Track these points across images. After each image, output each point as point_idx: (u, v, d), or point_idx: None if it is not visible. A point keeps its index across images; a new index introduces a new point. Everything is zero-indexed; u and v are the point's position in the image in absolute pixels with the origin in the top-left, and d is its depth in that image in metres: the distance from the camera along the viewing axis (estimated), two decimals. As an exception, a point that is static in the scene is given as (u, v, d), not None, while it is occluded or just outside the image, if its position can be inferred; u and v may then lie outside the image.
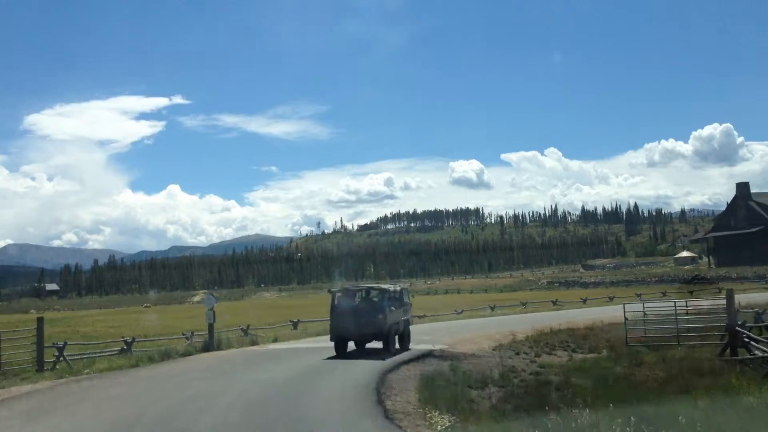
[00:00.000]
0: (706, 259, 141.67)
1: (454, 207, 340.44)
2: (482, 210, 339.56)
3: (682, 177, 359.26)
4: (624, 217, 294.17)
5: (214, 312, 24.80)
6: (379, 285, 24.47)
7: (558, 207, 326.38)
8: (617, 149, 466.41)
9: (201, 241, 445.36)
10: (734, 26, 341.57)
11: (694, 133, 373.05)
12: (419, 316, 39.81)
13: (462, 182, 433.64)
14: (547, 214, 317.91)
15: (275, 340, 27.31)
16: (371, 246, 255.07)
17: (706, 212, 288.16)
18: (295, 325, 33.79)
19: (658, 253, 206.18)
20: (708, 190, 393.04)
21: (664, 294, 55.88)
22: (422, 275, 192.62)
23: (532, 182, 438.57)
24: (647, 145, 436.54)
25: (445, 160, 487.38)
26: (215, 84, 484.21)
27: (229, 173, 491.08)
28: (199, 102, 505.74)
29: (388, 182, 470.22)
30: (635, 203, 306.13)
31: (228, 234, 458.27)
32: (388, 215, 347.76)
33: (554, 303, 50.10)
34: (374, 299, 22.13)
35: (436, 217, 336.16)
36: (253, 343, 26.31)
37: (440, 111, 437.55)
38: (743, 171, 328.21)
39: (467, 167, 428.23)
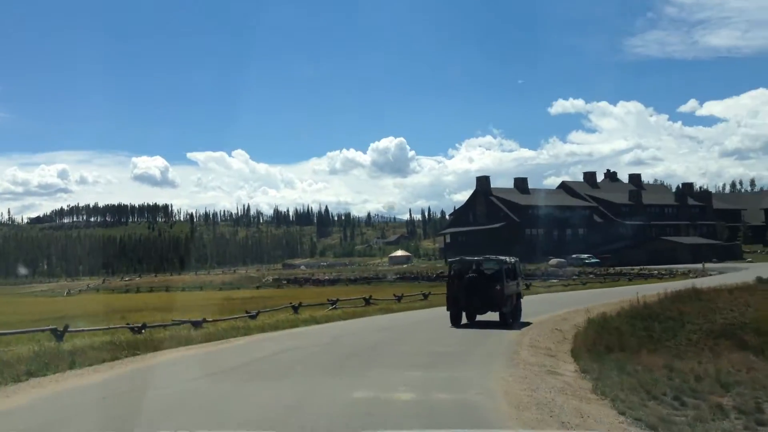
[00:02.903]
0: (417, 257, 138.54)
1: (140, 203, 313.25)
2: (171, 207, 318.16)
3: (361, 185, 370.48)
4: (315, 219, 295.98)
5: None
6: (497, 257, 23.12)
7: (250, 207, 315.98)
8: (302, 155, 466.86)
9: None
10: (409, 47, 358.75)
11: (372, 145, 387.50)
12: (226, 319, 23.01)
13: (145, 179, 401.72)
14: (239, 214, 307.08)
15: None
16: (45, 240, 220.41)
17: (386, 218, 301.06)
18: (59, 335, 14.99)
19: (356, 253, 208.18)
20: (383, 199, 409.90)
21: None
22: (104, 273, 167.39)
23: (219, 183, 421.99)
24: (330, 153, 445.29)
25: (127, 155, 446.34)
26: None
27: None
28: None
29: (63, 174, 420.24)
30: (326, 207, 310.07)
31: None
32: (65, 208, 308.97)
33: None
34: (492, 270, 21.77)
35: (120, 212, 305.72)
36: None
37: (124, 104, 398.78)
38: (413, 182, 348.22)
39: (151, 164, 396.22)
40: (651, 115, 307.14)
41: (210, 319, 24.93)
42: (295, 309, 29.86)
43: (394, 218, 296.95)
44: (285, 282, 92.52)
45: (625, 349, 15.22)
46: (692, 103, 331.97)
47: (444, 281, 77.30)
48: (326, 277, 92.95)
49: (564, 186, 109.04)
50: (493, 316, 21.34)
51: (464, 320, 21.59)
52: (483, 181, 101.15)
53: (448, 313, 21.51)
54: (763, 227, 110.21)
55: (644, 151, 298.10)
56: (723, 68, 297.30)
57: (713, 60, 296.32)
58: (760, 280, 41.08)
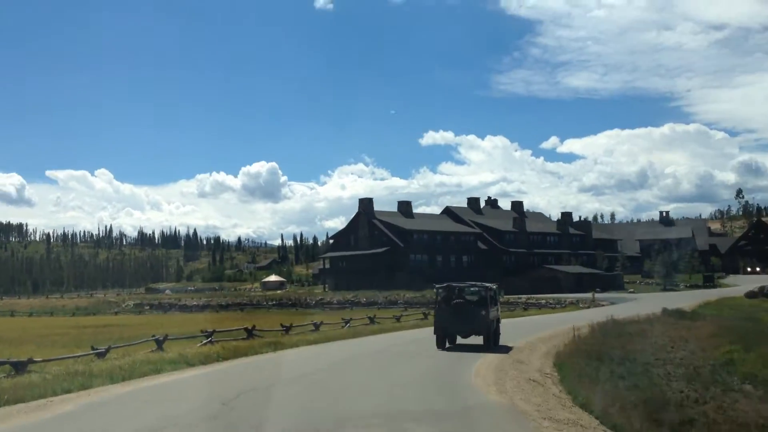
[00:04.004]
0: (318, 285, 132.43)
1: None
2: (26, 226, 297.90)
3: (231, 209, 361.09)
4: (182, 242, 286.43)
5: None
6: (482, 283, 24.67)
7: (113, 228, 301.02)
8: (169, 177, 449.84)
9: None
10: (283, 73, 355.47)
11: (243, 169, 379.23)
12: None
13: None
14: (101, 235, 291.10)
15: None
16: None
17: (257, 243, 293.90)
18: None
19: (226, 278, 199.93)
20: (253, 224, 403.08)
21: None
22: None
23: (79, 202, 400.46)
24: (199, 176, 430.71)
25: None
26: None
27: None
28: None
29: None
30: (194, 230, 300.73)
31: None
32: None
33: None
34: (477, 296, 23.30)
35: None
36: None
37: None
38: (285, 207, 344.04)
39: (6, 181, 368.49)
40: (516, 150, 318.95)
41: (39, 359, 18.33)
42: (159, 344, 23.33)
43: (265, 243, 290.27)
44: (148, 307, 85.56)
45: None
46: (554, 140, 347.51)
47: (324, 308, 74.72)
48: (194, 303, 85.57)
49: (448, 211, 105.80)
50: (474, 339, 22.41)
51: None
52: (366, 204, 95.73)
53: (431, 337, 22.66)
54: (639, 257, 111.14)
55: (509, 184, 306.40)
56: (582, 108, 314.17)
57: (574, 100, 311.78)
58: (665, 311, 39.20)
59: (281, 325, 31.27)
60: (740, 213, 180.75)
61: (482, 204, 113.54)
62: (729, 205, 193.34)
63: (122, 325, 46.44)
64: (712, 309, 46.98)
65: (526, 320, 39.20)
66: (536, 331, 29.09)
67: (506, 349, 21.56)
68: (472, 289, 23.93)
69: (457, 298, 22.95)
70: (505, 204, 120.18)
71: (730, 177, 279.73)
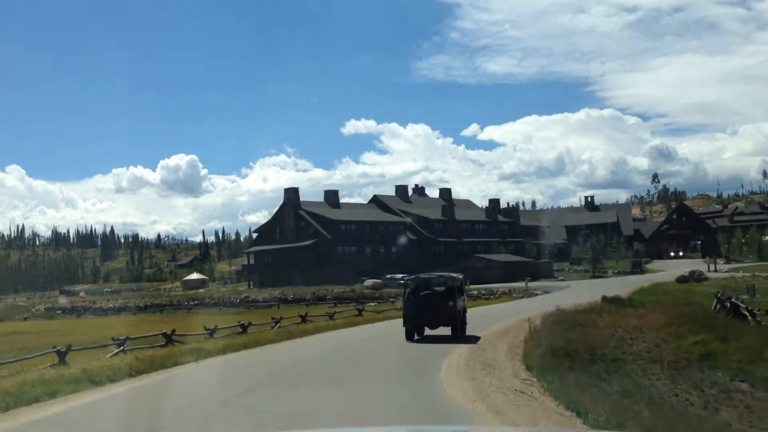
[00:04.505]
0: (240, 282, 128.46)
1: None
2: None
3: (150, 205, 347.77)
4: (99, 241, 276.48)
5: None
6: (449, 274, 25.34)
7: (25, 228, 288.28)
8: (85, 172, 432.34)
9: None
10: (198, 63, 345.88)
11: (162, 162, 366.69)
12: None
13: None
14: (12, 235, 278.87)
15: None
16: None
17: (177, 240, 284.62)
18: None
19: (145, 277, 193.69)
20: (173, 220, 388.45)
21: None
22: None
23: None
24: (115, 170, 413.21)
25: None
26: None
27: None
28: None
29: None
30: (111, 227, 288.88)
31: None
32: None
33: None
34: (444, 287, 23.44)
35: None
36: None
37: None
38: (206, 202, 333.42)
39: None
40: (438, 138, 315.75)
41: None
42: (62, 356, 20.03)
43: (186, 240, 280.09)
44: (60, 311, 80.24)
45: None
46: (474, 127, 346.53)
47: (249, 306, 71.60)
48: (110, 305, 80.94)
49: (376, 200, 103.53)
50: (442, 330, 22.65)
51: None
52: (292, 194, 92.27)
53: (403, 329, 22.62)
54: (567, 244, 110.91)
55: (432, 173, 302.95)
56: (501, 94, 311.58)
57: (493, 86, 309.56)
58: (605, 299, 38.24)
59: (204, 328, 28.29)
60: (656, 198, 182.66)
61: (410, 192, 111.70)
62: (648, 190, 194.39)
63: (29, 332, 42.48)
64: (649, 296, 46.29)
65: (468, 313, 37.31)
66: (485, 325, 26.95)
67: (474, 340, 21.65)
68: (439, 279, 24.21)
69: (425, 289, 23.20)
70: (431, 192, 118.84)
71: (643, 162, 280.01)
